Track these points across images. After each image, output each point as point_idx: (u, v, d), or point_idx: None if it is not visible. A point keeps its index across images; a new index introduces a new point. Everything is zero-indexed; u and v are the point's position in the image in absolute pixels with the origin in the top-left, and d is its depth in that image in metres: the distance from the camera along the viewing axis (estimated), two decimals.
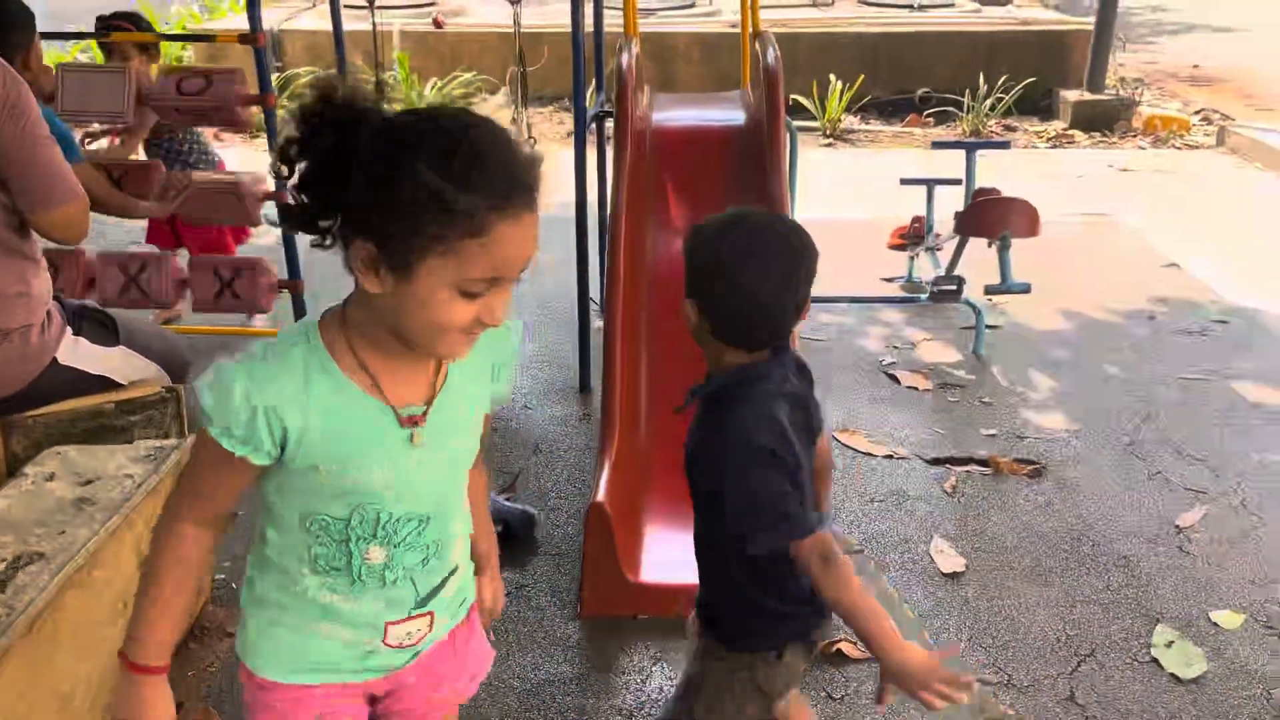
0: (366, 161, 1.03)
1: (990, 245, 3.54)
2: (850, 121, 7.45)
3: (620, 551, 2.34)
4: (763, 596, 1.54)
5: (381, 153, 1.03)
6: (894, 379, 3.62)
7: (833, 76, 7.29)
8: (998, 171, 6.26)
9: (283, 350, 1.12)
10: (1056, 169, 6.37)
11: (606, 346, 2.71)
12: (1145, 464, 3.06)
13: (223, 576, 2.50)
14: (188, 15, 9.10)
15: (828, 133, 7.21)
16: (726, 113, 3.42)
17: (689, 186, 3.16)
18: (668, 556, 2.50)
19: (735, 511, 1.42)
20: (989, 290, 3.55)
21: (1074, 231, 5.09)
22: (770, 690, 1.59)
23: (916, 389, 3.55)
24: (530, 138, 3.65)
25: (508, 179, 1.04)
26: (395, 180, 1.01)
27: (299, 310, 3.28)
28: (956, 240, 3.64)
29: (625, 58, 3.17)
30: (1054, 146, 7.02)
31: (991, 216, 3.45)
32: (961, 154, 3.71)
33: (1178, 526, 2.76)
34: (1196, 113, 7.77)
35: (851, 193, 5.84)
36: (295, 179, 1.09)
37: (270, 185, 3.12)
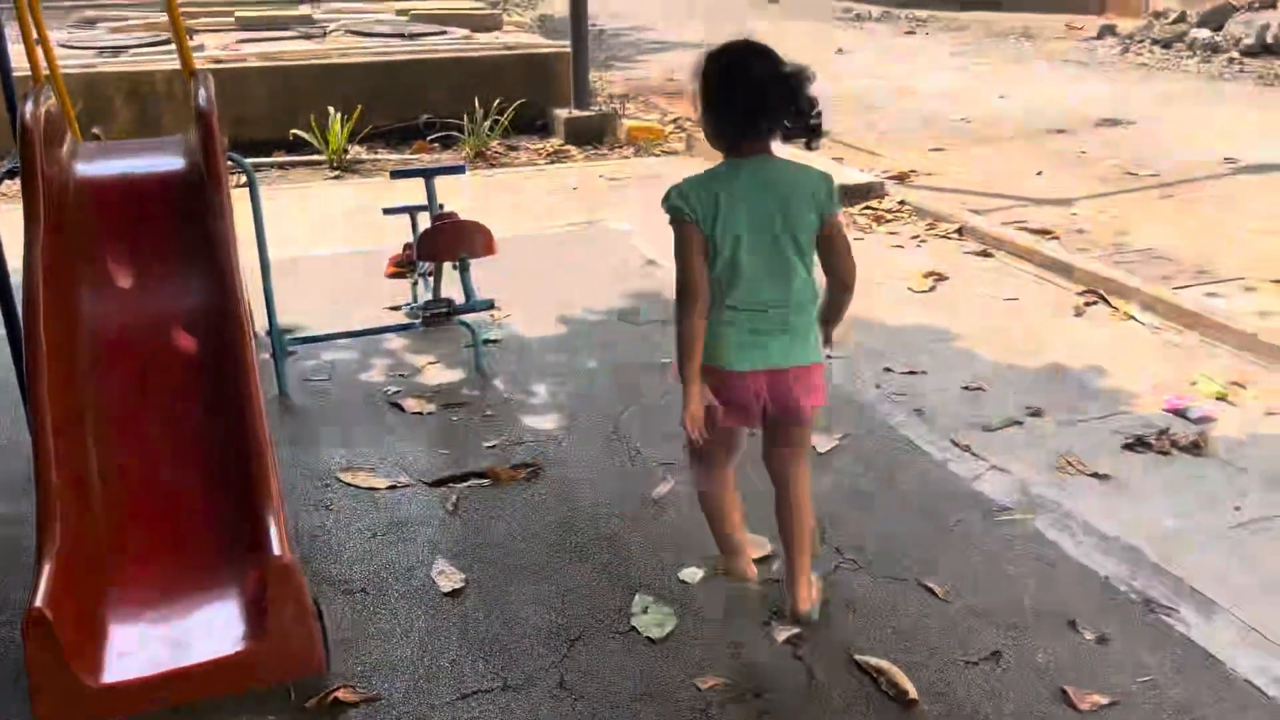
0: None
1: (454, 267, 3.68)
2: (357, 151, 7.40)
3: (72, 657, 2.09)
4: None
5: None
6: (398, 407, 3.62)
7: (331, 109, 7.19)
8: (504, 189, 6.58)
9: None
10: (554, 183, 6.81)
11: (34, 434, 2.40)
12: (625, 448, 3.35)
13: None
14: None
15: (335, 164, 7.10)
16: (164, 159, 3.20)
17: (129, 240, 2.90)
18: (141, 645, 2.28)
19: None
20: (455, 310, 3.69)
21: (567, 240, 5.47)
22: None
23: (421, 414, 3.59)
24: None
25: None
26: None
27: None
28: (432, 265, 3.73)
29: (29, 107, 2.84)
30: (552, 161, 7.50)
31: (447, 241, 3.58)
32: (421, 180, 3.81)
33: (653, 500, 3.05)
34: (672, 121, 8.72)
35: (358, 223, 5.79)
36: None
37: None
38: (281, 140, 7.28)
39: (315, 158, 7.17)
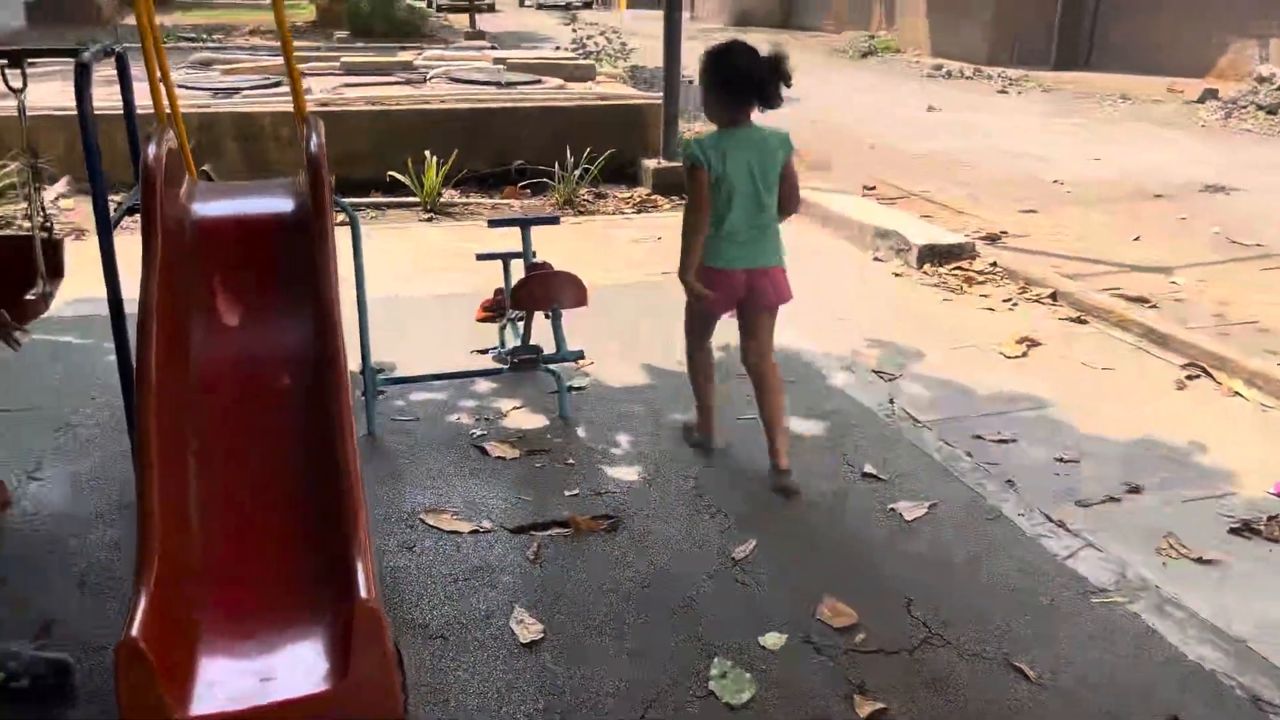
0: None
1: (546, 316, 3.71)
2: (450, 195, 7.57)
3: (165, 687, 2.13)
4: None
5: None
6: (483, 451, 3.65)
7: (428, 153, 7.38)
8: (592, 237, 6.65)
9: None
10: (641, 232, 6.86)
11: (139, 466, 2.47)
12: (707, 505, 3.32)
13: None
14: None
15: (428, 207, 7.27)
16: (274, 200, 3.31)
17: (237, 278, 3.00)
18: (228, 678, 2.32)
19: None
20: (546, 360, 3.72)
21: (653, 290, 5.48)
22: None
23: (504, 459, 3.61)
24: (46, 225, 3.31)
25: None
26: None
27: None
28: (524, 312, 3.78)
29: (152, 149, 2.97)
30: (639, 210, 7.56)
31: (541, 291, 3.62)
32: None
33: (734, 559, 3.01)
34: None
35: (451, 266, 5.90)
36: None
37: None
38: (379, 181, 7.50)
39: (410, 199, 7.36)
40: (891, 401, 4.12)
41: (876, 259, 6.19)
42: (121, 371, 3.10)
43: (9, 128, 6.64)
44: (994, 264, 5.88)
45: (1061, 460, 3.64)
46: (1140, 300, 5.21)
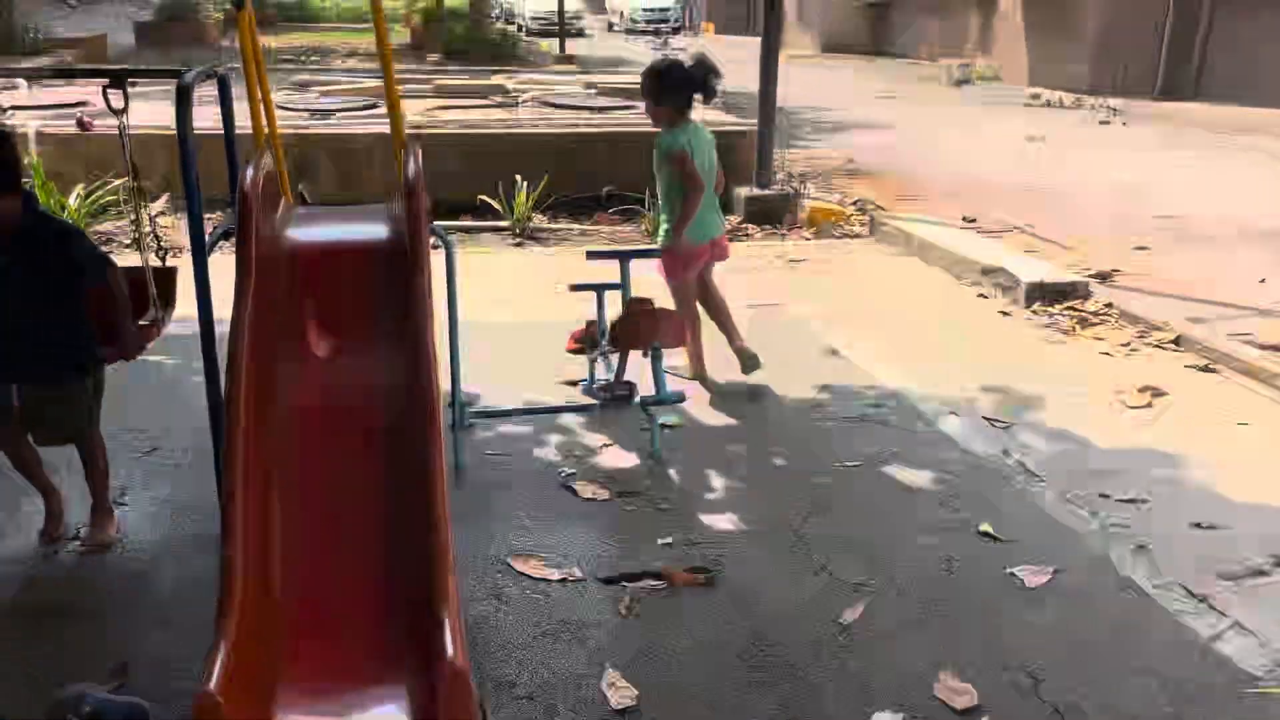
0: None
1: (645, 355, 3.55)
2: (540, 220, 7.50)
3: None
4: None
5: None
6: (572, 491, 3.50)
7: (519, 177, 7.33)
8: None
9: None
10: (734, 262, 6.66)
11: (224, 495, 2.38)
12: (811, 561, 3.10)
13: None
14: None
15: (518, 232, 7.21)
16: (369, 227, 3.22)
17: (330, 307, 2.91)
18: None
19: None
20: (646, 402, 3.55)
21: (745, 323, 5.29)
22: None
23: (595, 500, 3.45)
24: (161, 253, 3.29)
25: None
26: None
27: None
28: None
29: (249, 174, 2.90)
30: (731, 240, 7.37)
31: (642, 329, 3.46)
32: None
33: (841, 624, 2.79)
34: (854, 203, 8.50)
35: (540, 293, 5.81)
36: None
37: None
38: (470, 204, 7.46)
39: (500, 224, 7.31)
40: (1006, 453, 3.85)
41: (981, 295, 5.91)
42: (210, 404, 3.02)
43: (112, 146, 6.77)
44: (1109, 305, 5.55)
45: (1198, 526, 3.34)
46: (1275, 348, 4.84)
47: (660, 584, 2.96)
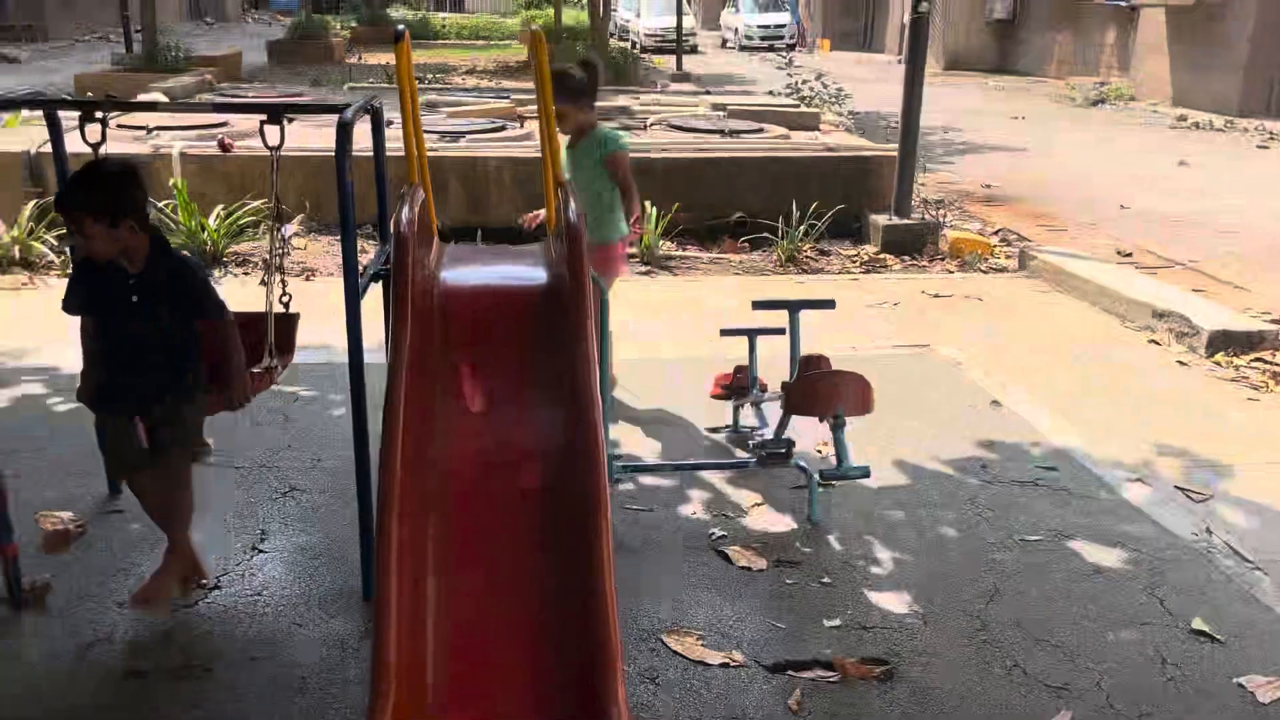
0: None
1: (822, 422, 3.26)
2: (668, 248, 7.28)
3: None
4: None
5: None
6: (725, 558, 3.24)
7: (648, 203, 7.13)
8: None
9: None
10: (872, 296, 6.34)
11: (376, 580, 2.20)
12: (1000, 655, 2.77)
13: None
14: None
15: (645, 260, 7.00)
16: (526, 270, 3.04)
17: (486, 359, 2.73)
18: None
19: None
20: (826, 476, 3.25)
21: (897, 367, 4.97)
22: None
23: (750, 569, 3.18)
24: (285, 299, 3.14)
25: None
26: None
27: None
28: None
29: (405, 214, 2.74)
30: (867, 271, 7.04)
31: (823, 394, 3.16)
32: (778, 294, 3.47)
33: None
34: (995, 233, 8.05)
35: (671, 325, 5.59)
36: None
37: None
38: None
39: (627, 250, 7.11)
40: (1209, 531, 3.44)
41: (1152, 341, 5.44)
42: (356, 450, 2.87)
43: (251, 167, 6.83)
44: None
45: None
46: None
47: (831, 674, 2.68)
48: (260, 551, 3.21)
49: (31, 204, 6.57)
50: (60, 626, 2.79)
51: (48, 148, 3.35)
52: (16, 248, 6.37)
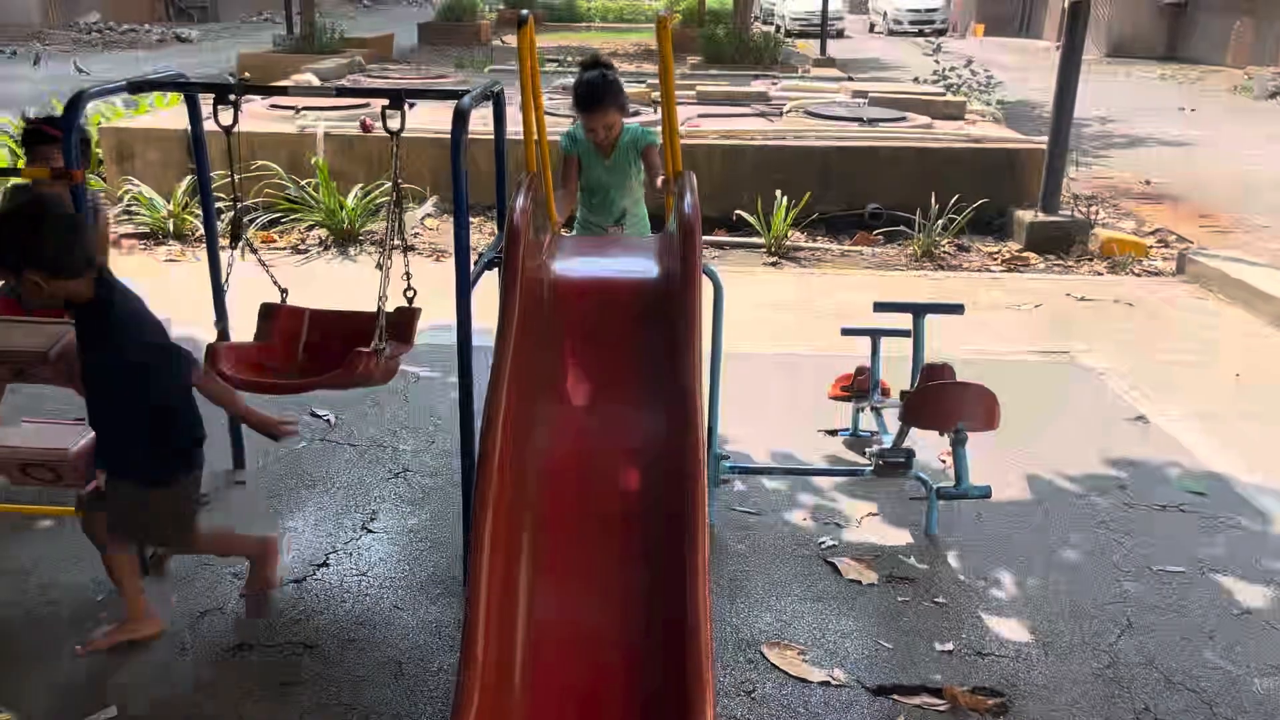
0: None
1: (942, 435, 3.08)
2: (797, 238, 7.11)
3: None
4: None
5: None
6: (834, 568, 3.11)
7: (779, 192, 6.97)
8: (955, 298, 5.88)
9: None
10: (1013, 297, 6.01)
11: (471, 551, 2.18)
12: (1128, 696, 2.56)
13: None
14: (111, 112, 8.62)
15: (773, 250, 6.84)
16: (638, 261, 2.97)
17: (592, 353, 2.68)
18: None
19: None
20: (943, 494, 3.07)
21: (1033, 375, 4.69)
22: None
23: (859, 582, 3.05)
24: (409, 290, 3.06)
25: None
26: None
27: None
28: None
29: (519, 203, 2.71)
30: (1008, 269, 6.69)
31: (944, 407, 2.98)
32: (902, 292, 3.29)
33: None
34: (1152, 233, 7.54)
35: (797, 320, 5.43)
36: None
37: None
38: (724, 219, 7.19)
39: (754, 240, 6.98)
40: None
41: None
42: (463, 436, 2.87)
43: (384, 149, 6.99)
44: None
45: None
46: None
47: (940, 703, 2.53)
48: (369, 531, 3.26)
49: (187, 179, 6.90)
50: (178, 594, 2.89)
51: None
52: (171, 221, 6.71)
